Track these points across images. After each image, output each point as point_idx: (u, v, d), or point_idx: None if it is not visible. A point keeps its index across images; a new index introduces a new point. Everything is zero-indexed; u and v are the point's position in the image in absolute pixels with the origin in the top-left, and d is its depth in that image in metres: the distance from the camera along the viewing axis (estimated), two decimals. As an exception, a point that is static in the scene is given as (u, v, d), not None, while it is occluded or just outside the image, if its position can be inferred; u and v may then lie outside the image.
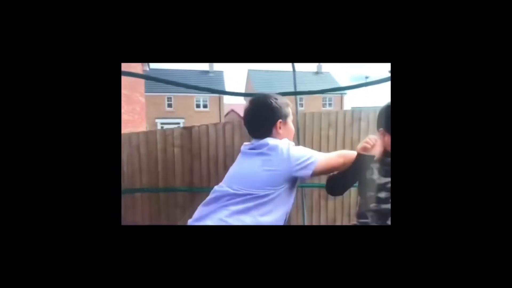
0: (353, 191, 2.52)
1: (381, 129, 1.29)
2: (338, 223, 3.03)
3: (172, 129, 2.99)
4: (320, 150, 1.43)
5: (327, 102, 25.21)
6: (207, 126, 2.99)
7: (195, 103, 22.26)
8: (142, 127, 10.16)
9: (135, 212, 2.94)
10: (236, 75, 62.95)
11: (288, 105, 1.35)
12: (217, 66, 25.77)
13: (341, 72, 66.30)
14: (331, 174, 1.35)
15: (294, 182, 1.27)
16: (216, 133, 2.97)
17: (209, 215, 1.21)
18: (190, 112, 21.81)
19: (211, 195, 1.27)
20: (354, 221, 1.35)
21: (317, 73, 27.96)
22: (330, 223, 3.04)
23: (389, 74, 1.36)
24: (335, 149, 2.82)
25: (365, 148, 1.24)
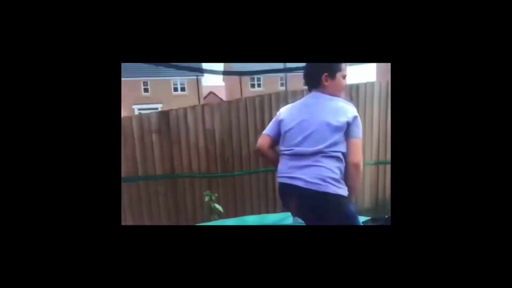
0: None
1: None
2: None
3: (148, 115, 2.86)
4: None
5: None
6: (185, 109, 2.89)
7: (172, 86, 21.77)
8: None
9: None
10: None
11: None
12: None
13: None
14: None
15: None
16: (195, 116, 2.88)
17: None
18: (168, 96, 21.36)
19: None
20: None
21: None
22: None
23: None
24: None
25: None
